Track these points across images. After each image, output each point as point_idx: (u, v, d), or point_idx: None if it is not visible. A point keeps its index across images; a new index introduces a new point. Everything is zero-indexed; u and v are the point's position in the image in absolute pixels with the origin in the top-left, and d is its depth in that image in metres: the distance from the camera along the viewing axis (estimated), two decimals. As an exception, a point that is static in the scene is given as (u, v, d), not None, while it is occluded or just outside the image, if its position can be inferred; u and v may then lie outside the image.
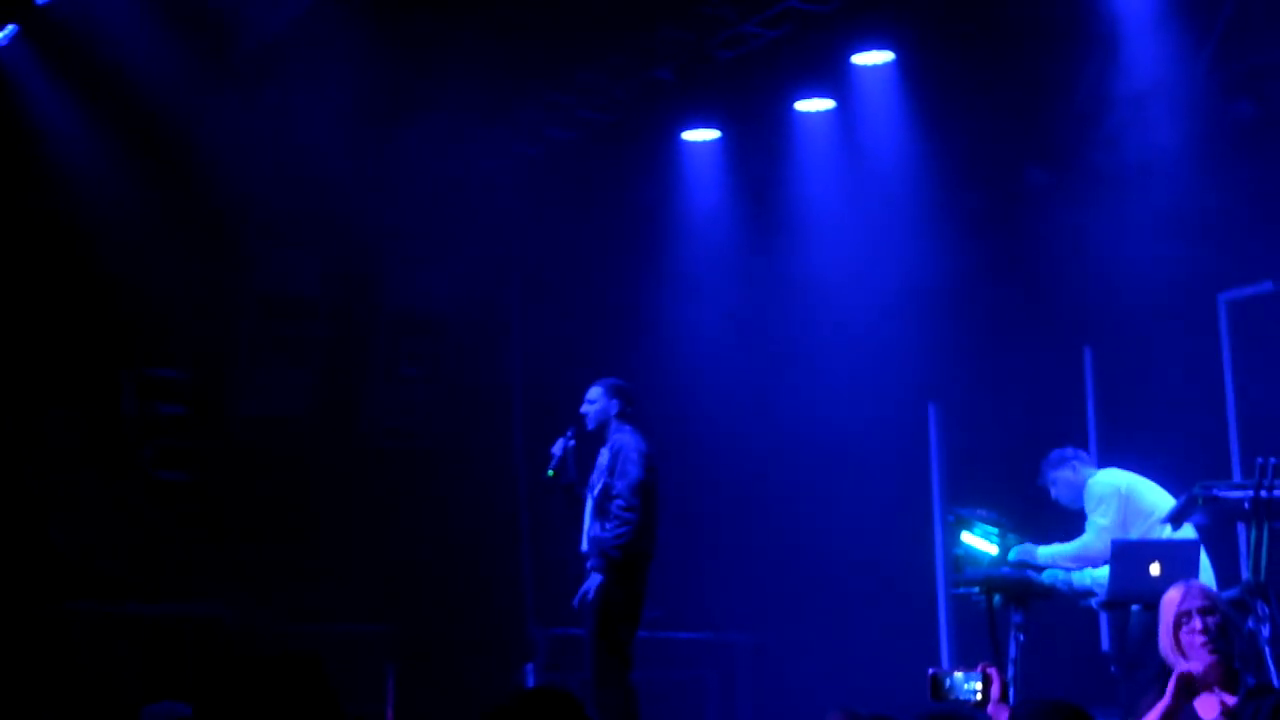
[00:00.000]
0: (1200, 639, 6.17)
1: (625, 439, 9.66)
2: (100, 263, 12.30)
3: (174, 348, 12.77)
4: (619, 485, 9.53)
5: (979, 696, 5.80)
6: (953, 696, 5.82)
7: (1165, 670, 6.37)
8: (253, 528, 12.80)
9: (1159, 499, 9.47)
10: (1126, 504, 9.48)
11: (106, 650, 11.73)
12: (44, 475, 12.23)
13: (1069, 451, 9.88)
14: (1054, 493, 9.85)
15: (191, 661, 11.73)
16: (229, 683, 4.35)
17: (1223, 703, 6.06)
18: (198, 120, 12.09)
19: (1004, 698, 5.72)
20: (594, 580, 9.51)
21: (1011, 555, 9.68)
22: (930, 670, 5.85)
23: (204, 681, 10.61)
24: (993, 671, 5.77)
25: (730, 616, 12.87)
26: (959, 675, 5.84)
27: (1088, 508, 9.60)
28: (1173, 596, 6.32)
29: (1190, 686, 6.01)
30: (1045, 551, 9.65)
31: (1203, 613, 6.20)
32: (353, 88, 11.84)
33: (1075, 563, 9.54)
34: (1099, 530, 9.47)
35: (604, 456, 9.75)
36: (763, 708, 12.25)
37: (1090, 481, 9.66)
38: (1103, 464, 10.20)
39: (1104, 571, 9.26)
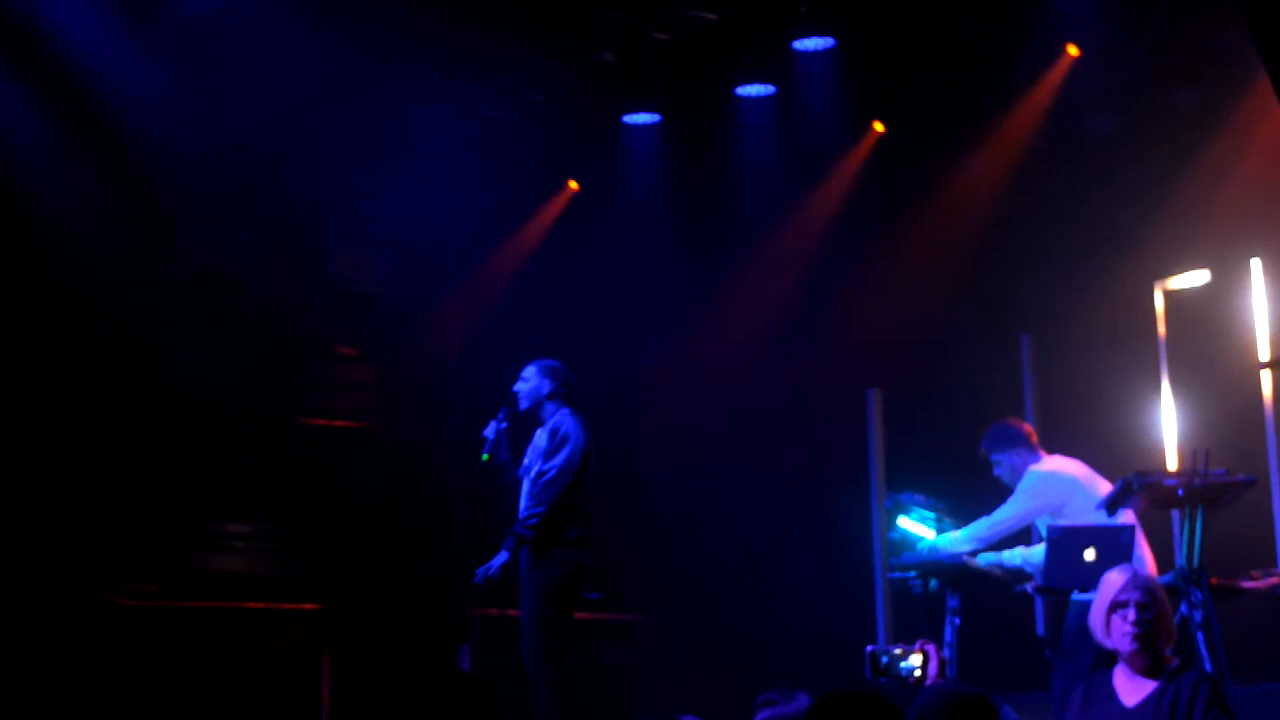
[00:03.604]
0: (1130, 630, 6.21)
1: (564, 421, 9.61)
2: (32, 238, 12.14)
3: (105, 325, 12.62)
4: (547, 465, 9.50)
5: (918, 673, 5.81)
6: (891, 673, 5.83)
7: (1100, 660, 6.41)
8: (185, 506, 12.69)
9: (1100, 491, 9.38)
10: (1068, 498, 9.33)
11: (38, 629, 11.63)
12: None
13: (1017, 431, 9.63)
14: (997, 470, 9.68)
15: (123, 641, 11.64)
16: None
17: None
18: (131, 94, 11.95)
19: (942, 674, 5.74)
20: (500, 558, 9.45)
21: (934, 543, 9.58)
22: (869, 648, 5.86)
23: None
24: (930, 648, 5.79)
25: (665, 598, 12.86)
26: (897, 652, 5.86)
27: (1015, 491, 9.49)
28: (1115, 580, 6.34)
29: None
30: (944, 538, 9.55)
31: (1140, 607, 6.24)
32: (289, 63, 11.73)
33: (970, 544, 9.44)
34: (1003, 514, 9.31)
35: (540, 438, 9.70)
36: (697, 690, 12.23)
37: (1030, 469, 9.48)
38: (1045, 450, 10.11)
39: (1036, 550, 9.25)
